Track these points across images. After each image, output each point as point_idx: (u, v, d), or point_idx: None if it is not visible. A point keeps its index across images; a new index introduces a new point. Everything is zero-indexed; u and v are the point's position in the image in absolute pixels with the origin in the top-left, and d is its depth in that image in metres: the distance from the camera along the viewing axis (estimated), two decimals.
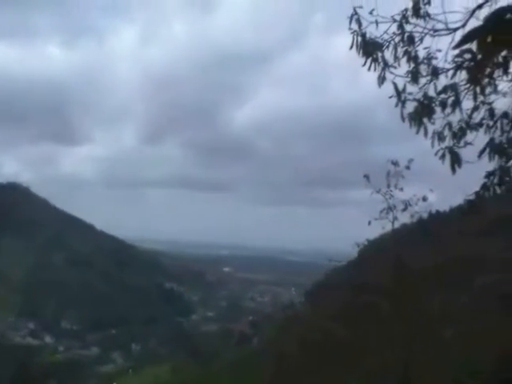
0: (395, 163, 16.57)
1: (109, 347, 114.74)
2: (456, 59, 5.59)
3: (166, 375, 76.64)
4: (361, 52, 6.24)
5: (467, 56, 5.09)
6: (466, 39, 3.48)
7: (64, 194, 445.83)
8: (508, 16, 2.15)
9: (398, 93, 6.24)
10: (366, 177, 16.71)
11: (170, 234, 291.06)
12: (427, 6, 6.29)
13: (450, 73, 6.12)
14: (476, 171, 6.33)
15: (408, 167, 16.48)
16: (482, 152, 6.05)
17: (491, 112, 6.27)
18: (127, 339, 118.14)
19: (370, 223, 17.11)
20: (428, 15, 6.33)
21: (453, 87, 6.07)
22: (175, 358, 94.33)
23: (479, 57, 4.17)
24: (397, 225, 18.19)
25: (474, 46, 4.04)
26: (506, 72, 5.47)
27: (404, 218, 17.79)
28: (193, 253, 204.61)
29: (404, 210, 17.00)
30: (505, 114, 6.23)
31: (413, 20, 6.41)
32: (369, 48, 6.23)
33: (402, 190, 16.99)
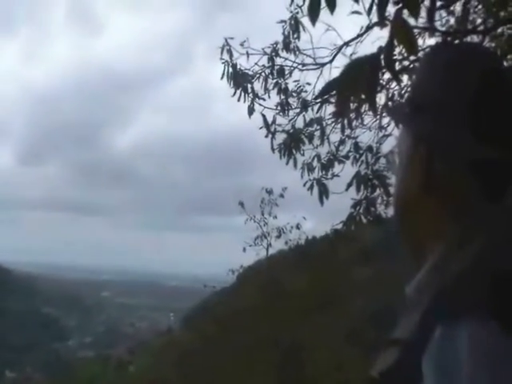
0: (269, 191, 16.88)
1: None
2: (322, 96, 5.75)
3: None
4: (231, 82, 6.31)
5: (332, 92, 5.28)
6: (324, 92, 3.57)
7: None
8: (365, 67, 2.22)
9: (267, 124, 6.33)
10: (241, 204, 16.96)
11: (49, 258, 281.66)
12: (297, 41, 6.45)
13: (319, 106, 6.31)
14: (349, 199, 6.46)
15: (282, 195, 16.83)
16: (349, 185, 6.19)
17: (357, 145, 6.47)
18: (1, 367, 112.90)
19: (244, 250, 17.35)
20: (298, 49, 6.49)
21: (319, 120, 6.25)
22: None
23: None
24: (272, 251, 18.55)
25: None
26: (372, 108, 5.65)
27: (279, 245, 18.14)
28: (71, 276, 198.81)
29: (278, 237, 17.33)
30: (369, 148, 6.44)
31: (283, 53, 6.57)
32: (239, 79, 6.30)
33: (275, 217, 17.33)
